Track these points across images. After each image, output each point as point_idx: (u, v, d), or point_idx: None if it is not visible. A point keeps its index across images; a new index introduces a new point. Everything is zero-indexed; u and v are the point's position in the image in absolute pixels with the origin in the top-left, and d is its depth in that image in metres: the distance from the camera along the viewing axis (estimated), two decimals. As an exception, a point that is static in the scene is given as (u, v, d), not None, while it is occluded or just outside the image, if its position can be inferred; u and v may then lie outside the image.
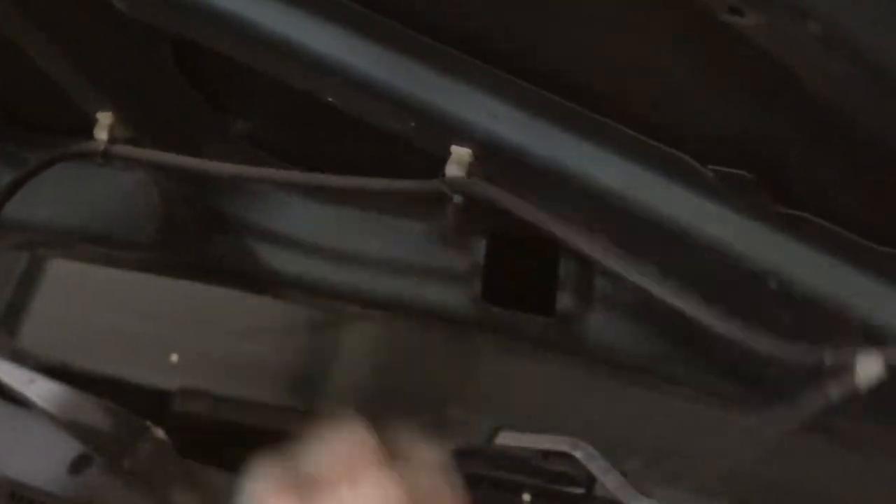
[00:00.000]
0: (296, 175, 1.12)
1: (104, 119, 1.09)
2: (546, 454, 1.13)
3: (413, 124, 0.94)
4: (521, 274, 1.10)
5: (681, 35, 0.80)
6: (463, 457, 1.14)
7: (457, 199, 0.94)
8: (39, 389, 1.26)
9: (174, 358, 1.44)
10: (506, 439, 1.15)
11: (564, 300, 1.03)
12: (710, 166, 0.89)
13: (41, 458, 1.25)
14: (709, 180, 0.89)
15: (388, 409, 1.28)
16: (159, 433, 1.14)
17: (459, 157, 0.91)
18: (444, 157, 0.93)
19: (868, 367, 0.76)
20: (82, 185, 1.26)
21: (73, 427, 1.30)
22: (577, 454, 1.07)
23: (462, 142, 0.92)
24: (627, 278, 0.89)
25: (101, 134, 1.09)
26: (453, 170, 0.91)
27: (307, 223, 1.16)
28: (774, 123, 0.85)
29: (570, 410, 1.24)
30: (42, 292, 1.63)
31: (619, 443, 1.09)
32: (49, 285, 1.64)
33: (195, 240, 1.19)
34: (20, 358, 1.37)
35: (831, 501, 1.27)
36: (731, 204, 0.92)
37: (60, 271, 1.62)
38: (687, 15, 0.72)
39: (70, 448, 1.21)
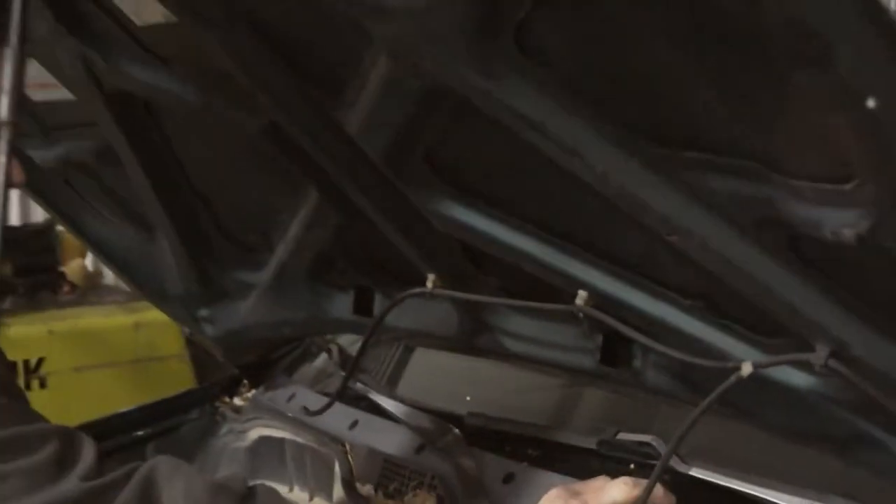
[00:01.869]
0: (500, 300, 1.96)
1: (430, 278, 1.89)
2: (640, 443, 1.90)
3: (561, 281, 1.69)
4: (613, 350, 1.82)
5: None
6: (602, 445, 1.99)
7: (580, 314, 1.64)
8: (399, 409, 2.26)
9: (468, 398, 2.34)
10: (622, 436, 1.95)
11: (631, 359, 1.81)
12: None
13: (402, 445, 2.17)
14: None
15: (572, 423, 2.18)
16: (456, 432, 2.05)
17: (582, 295, 1.62)
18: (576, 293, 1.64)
19: (746, 369, 1.40)
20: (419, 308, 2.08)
21: (426, 429, 2.21)
22: (654, 443, 1.82)
23: (584, 288, 1.63)
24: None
25: (429, 283, 1.90)
26: (580, 299, 1.62)
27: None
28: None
29: (645, 419, 2.03)
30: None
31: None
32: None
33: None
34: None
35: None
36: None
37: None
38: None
39: (414, 440, 2.14)
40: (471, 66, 1.37)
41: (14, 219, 4.94)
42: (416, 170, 1.74)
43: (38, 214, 5.04)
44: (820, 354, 1.38)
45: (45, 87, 2.16)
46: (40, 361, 3.91)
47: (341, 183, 1.90)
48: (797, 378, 1.57)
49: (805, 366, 1.47)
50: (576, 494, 1.48)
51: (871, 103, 1.01)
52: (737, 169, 1.26)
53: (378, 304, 2.21)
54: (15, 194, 4.45)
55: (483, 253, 1.83)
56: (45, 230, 4.40)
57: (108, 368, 4.08)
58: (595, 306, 1.63)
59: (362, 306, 2.24)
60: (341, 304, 2.30)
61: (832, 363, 1.37)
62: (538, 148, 1.42)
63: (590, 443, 2.04)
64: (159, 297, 2.59)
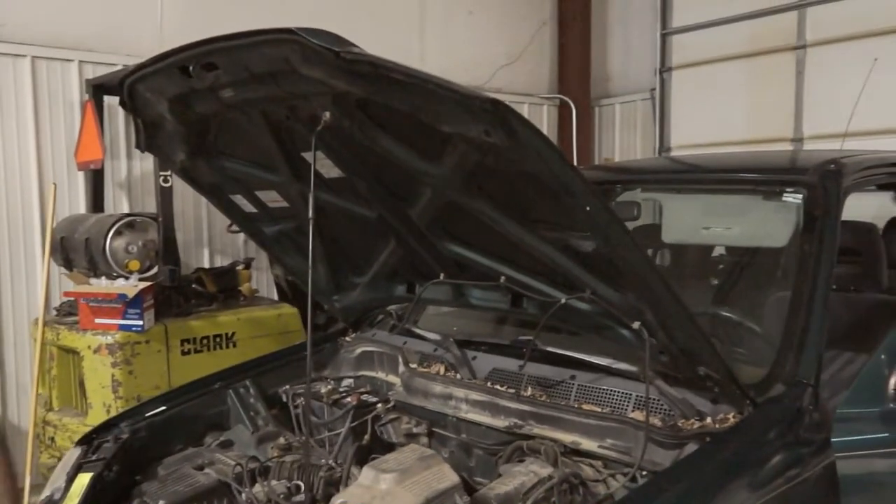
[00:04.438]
0: (471, 282, 2.24)
1: (441, 275, 2.32)
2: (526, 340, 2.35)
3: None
4: (516, 300, 2.13)
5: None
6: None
7: (504, 285, 2.15)
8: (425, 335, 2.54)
9: (455, 328, 2.71)
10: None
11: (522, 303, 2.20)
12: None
13: (419, 348, 2.52)
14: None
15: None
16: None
17: (503, 278, 2.03)
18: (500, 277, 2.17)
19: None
20: (434, 289, 2.54)
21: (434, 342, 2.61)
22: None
23: (504, 274, 2.22)
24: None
25: (441, 277, 2.26)
26: (503, 279, 2.13)
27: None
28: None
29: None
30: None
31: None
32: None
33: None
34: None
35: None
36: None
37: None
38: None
39: (427, 346, 2.59)
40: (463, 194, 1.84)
41: (218, 261, 5.22)
42: (438, 230, 2.12)
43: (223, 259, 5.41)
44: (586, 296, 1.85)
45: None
46: (233, 333, 4.13)
47: (405, 236, 2.21)
48: (585, 307, 1.92)
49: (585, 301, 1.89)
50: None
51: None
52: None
53: (417, 289, 2.46)
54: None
55: (463, 263, 2.19)
56: (231, 269, 4.60)
57: (265, 337, 4.23)
58: (507, 281, 2.10)
59: (410, 290, 2.50)
60: (400, 289, 2.54)
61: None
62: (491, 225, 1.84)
63: (506, 341, 2.34)
64: (316, 292, 2.51)
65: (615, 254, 1.61)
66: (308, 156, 2.05)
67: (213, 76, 1.68)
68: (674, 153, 6.71)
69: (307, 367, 1.74)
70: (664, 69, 6.79)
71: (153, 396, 2.67)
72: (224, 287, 4.48)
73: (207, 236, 5.32)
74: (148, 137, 2.17)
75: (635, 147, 7.21)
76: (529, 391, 2.11)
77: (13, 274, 4.58)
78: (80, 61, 4.73)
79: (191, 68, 1.67)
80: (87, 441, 2.28)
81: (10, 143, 4.55)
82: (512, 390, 2.12)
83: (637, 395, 1.95)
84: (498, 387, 2.17)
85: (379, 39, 5.28)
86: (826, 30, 5.62)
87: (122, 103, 1.98)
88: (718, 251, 2.66)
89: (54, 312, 4.28)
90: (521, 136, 1.35)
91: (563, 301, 1.90)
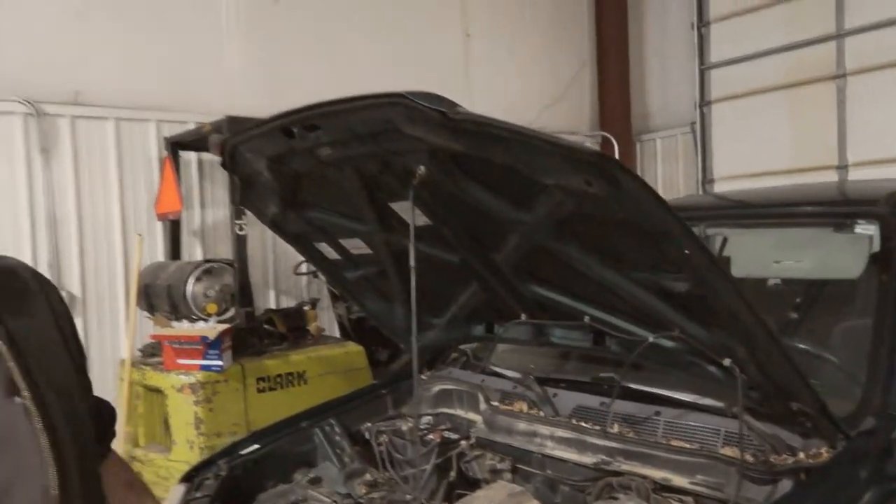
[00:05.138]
0: (553, 322, 2.30)
1: (523, 315, 2.25)
2: (608, 377, 2.26)
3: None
4: (598, 338, 2.09)
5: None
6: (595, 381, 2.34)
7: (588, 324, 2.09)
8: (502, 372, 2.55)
9: (532, 366, 2.73)
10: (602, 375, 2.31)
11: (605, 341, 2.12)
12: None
13: (499, 386, 2.47)
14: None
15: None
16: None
17: (587, 317, 2.08)
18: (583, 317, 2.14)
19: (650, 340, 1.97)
20: (514, 329, 2.48)
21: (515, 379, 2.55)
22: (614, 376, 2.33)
23: (587, 315, 2.20)
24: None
25: (523, 317, 2.24)
26: (587, 319, 2.09)
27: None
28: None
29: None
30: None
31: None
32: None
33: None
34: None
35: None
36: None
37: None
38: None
39: (506, 383, 2.59)
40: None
41: (284, 302, 5.28)
42: (522, 273, 2.09)
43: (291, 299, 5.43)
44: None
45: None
46: (304, 371, 4.17)
47: (487, 278, 2.18)
48: (670, 345, 1.86)
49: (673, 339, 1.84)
50: None
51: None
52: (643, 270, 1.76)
53: (496, 328, 2.42)
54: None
55: (544, 303, 2.16)
56: (299, 309, 4.64)
57: (333, 374, 4.27)
58: (591, 320, 2.04)
59: (489, 329, 2.46)
60: (478, 329, 2.51)
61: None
62: (577, 267, 1.82)
63: (587, 378, 2.28)
64: (394, 333, 2.61)
65: (710, 294, 1.58)
66: (395, 206, 2.06)
67: (315, 136, 1.70)
68: (717, 184, 6.63)
69: (413, 398, 1.73)
70: (704, 103, 6.73)
71: (246, 435, 2.68)
72: (293, 327, 4.52)
73: (273, 279, 5.40)
74: (243, 193, 2.19)
75: (678, 180, 7.15)
76: (616, 428, 2.06)
77: (100, 318, 4.68)
78: (158, 121, 4.88)
79: (295, 130, 1.67)
80: (189, 479, 2.30)
81: (97, 197, 4.69)
82: (598, 427, 2.07)
83: (726, 431, 1.89)
84: (583, 423, 2.12)
85: (428, 82, 5.35)
86: (865, 58, 5.53)
87: (223, 163, 2.00)
88: (789, 284, 2.59)
89: (139, 354, 4.33)
90: (624, 185, 1.33)
91: (650, 340, 1.86)
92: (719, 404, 1.97)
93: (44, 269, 4.53)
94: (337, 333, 5.30)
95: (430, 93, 1.35)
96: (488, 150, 1.47)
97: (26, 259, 4.25)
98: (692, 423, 1.99)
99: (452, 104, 1.35)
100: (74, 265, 4.65)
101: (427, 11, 6.22)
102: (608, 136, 7.29)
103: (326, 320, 5.44)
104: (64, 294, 4.45)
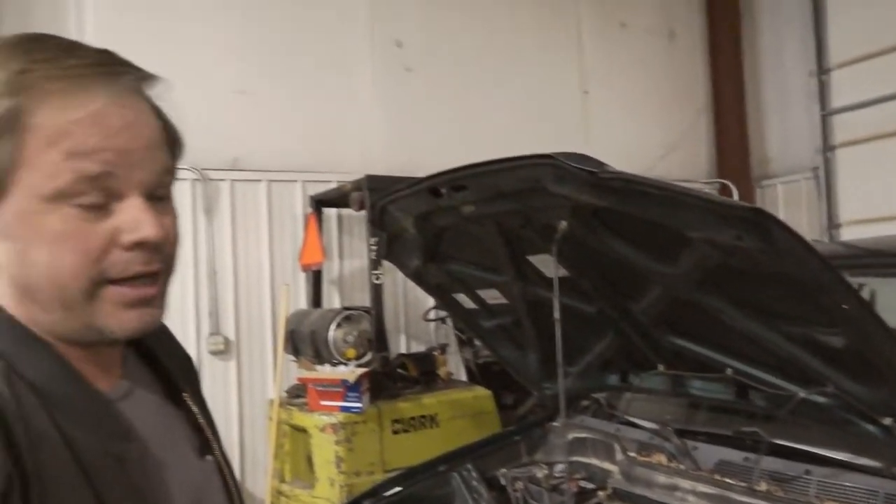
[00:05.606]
0: (693, 374, 2.19)
1: (660, 367, 2.15)
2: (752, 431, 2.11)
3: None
4: (741, 391, 2.02)
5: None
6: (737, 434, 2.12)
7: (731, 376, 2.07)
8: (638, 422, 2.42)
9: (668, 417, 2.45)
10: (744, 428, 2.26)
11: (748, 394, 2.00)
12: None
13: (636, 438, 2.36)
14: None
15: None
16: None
17: (729, 370, 1.98)
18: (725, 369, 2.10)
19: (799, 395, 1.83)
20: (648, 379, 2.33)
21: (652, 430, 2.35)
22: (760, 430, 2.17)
23: (730, 367, 2.10)
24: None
25: (660, 368, 2.14)
26: (729, 371, 2.03)
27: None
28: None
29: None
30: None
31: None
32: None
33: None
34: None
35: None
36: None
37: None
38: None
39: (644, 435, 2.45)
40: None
41: (413, 347, 5.31)
42: (660, 323, 2.04)
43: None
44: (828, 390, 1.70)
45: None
46: (435, 414, 4.14)
47: (624, 328, 2.16)
48: (821, 400, 1.77)
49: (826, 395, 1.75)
50: None
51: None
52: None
53: (631, 378, 2.35)
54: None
55: (683, 354, 2.10)
56: (429, 354, 4.64)
57: (463, 418, 4.22)
58: (734, 373, 1.97)
59: (623, 379, 2.40)
60: (613, 378, 2.44)
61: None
62: (721, 319, 1.76)
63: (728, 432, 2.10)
64: (526, 380, 2.59)
65: (869, 350, 1.45)
66: (533, 259, 2.05)
67: (461, 196, 1.72)
68: (844, 229, 6.20)
69: (552, 445, 1.66)
70: (827, 148, 6.35)
71: (387, 478, 2.70)
72: (424, 371, 4.51)
73: (404, 324, 5.47)
74: (389, 248, 2.24)
75: (802, 225, 6.72)
76: (763, 485, 1.91)
77: (251, 361, 4.90)
78: (303, 181, 5.14)
79: (443, 190, 1.70)
80: (337, 519, 2.33)
81: (251, 251, 4.98)
82: (743, 483, 1.93)
83: (885, 493, 1.72)
84: (728, 479, 1.99)
85: (548, 137, 5.40)
86: None
87: (371, 220, 2.07)
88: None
89: (285, 395, 4.48)
90: (778, 240, 1.26)
91: (801, 396, 1.72)
92: (877, 464, 1.79)
93: (204, 318, 4.82)
94: (464, 377, 5.27)
95: (577, 153, 1.35)
96: (633, 205, 1.45)
97: (189, 308, 4.73)
98: (847, 484, 1.82)
99: (600, 163, 1.34)
100: (230, 312, 4.90)
101: (547, 73, 6.29)
102: (727, 182, 7.00)
103: (454, 364, 5.43)
104: (220, 339, 4.74)
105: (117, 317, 0.73)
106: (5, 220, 0.69)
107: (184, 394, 0.90)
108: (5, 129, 0.66)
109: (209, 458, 0.88)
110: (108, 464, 0.72)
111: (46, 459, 0.67)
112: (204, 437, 0.89)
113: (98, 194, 0.70)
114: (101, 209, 0.70)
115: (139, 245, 0.72)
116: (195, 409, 0.90)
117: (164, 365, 0.89)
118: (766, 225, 1.26)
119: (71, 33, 4.39)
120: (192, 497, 0.83)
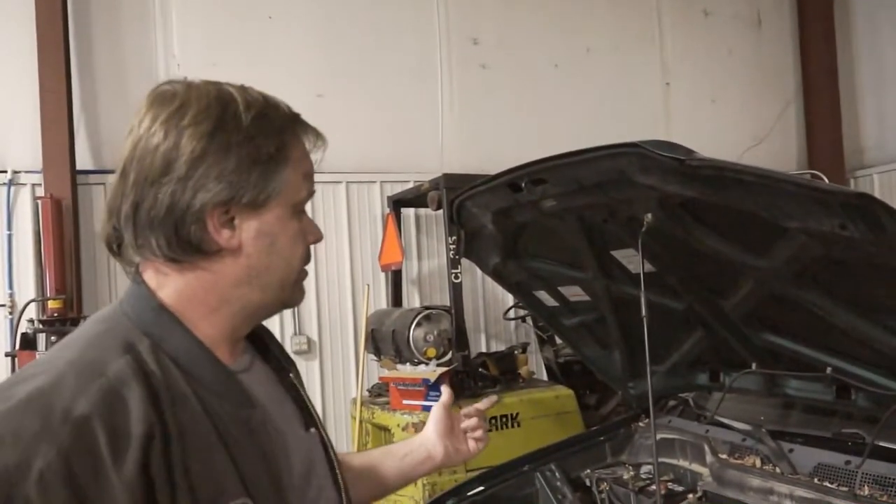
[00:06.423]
0: (789, 373, 1.99)
1: (753, 365, 1.97)
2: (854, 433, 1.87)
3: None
4: (841, 391, 1.86)
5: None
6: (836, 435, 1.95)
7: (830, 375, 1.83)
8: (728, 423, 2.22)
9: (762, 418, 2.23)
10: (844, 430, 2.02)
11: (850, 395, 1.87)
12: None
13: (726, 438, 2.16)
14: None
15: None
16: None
17: (829, 368, 1.80)
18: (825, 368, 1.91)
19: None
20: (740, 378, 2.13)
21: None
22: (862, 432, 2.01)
23: (830, 366, 1.91)
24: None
25: (753, 366, 2.01)
26: (829, 370, 1.83)
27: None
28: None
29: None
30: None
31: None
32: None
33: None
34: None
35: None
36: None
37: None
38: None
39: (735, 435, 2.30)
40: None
41: (493, 346, 5.33)
42: (752, 319, 1.94)
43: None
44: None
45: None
46: (517, 414, 4.06)
47: (713, 326, 2.06)
48: None
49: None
50: None
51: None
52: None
53: (723, 377, 2.24)
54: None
55: (777, 352, 2.00)
56: (510, 353, 4.59)
57: (545, 417, 4.14)
58: (834, 372, 1.84)
59: (713, 378, 2.30)
60: (702, 377, 2.34)
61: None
62: (819, 314, 1.65)
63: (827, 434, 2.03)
64: (611, 379, 2.55)
65: None
66: (616, 253, 2.00)
67: (541, 190, 1.69)
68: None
69: (652, 451, 1.61)
70: (930, 135, 5.94)
71: (471, 477, 2.68)
72: (505, 370, 4.47)
73: (484, 324, 5.45)
74: (468, 245, 2.23)
75: (904, 216, 6.28)
76: (866, 490, 1.80)
77: (333, 360, 5.00)
78: (381, 182, 5.21)
79: (522, 185, 1.68)
80: (425, 515, 2.34)
81: (331, 252, 5.09)
82: (845, 488, 1.83)
83: None
84: (827, 483, 1.88)
85: (625, 129, 5.25)
86: None
87: (449, 217, 2.06)
88: None
89: (367, 394, 4.53)
90: (888, 228, 1.17)
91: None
92: None
93: (288, 318, 4.96)
94: (545, 376, 5.21)
95: (665, 141, 1.30)
96: (724, 195, 1.38)
97: (276, 308, 4.87)
98: (962, 489, 1.70)
99: (689, 151, 1.28)
100: (313, 312, 5.02)
101: (626, 65, 6.16)
102: (818, 173, 6.65)
103: (535, 363, 5.39)
104: (304, 339, 4.85)
105: (301, 291, 0.98)
106: (269, 221, 0.90)
107: (290, 374, 1.03)
108: (280, 160, 0.90)
109: (313, 430, 1.00)
110: (239, 427, 0.85)
111: (186, 420, 0.80)
112: (308, 412, 1.01)
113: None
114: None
115: (316, 242, 0.98)
116: (299, 386, 1.04)
117: (271, 349, 1.03)
118: (874, 212, 1.17)
119: (157, 40, 4.62)
120: (306, 464, 0.95)
